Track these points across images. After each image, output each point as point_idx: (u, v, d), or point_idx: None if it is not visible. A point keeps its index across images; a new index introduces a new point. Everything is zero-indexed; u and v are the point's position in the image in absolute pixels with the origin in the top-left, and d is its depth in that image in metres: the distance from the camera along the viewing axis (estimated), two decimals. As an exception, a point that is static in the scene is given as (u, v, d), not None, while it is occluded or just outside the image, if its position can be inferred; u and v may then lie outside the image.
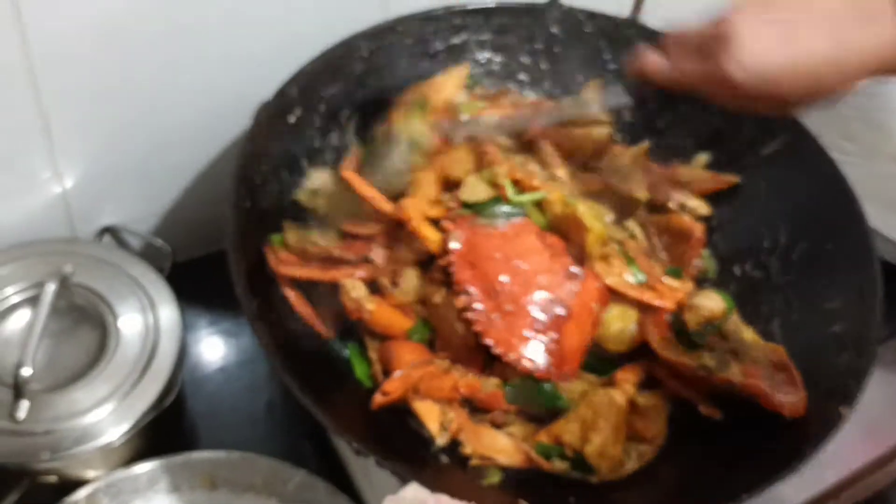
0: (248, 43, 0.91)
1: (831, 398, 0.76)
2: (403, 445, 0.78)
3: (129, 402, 0.80)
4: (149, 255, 0.94)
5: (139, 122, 0.92)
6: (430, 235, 0.81)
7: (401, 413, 0.80)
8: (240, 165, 0.83)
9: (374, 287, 0.84)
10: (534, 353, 0.78)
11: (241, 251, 0.79)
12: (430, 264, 0.83)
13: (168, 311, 0.86)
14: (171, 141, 0.95)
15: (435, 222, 0.83)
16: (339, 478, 0.83)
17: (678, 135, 0.99)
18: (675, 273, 0.88)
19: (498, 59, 1.02)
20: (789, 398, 0.76)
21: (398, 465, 0.70)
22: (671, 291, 0.84)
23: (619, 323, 0.83)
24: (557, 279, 0.80)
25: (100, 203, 0.96)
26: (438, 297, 0.81)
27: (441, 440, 0.77)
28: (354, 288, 0.81)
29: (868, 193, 0.89)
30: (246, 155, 0.84)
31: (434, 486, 0.68)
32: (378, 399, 0.77)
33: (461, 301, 0.78)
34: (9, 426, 0.77)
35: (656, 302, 0.83)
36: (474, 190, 0.84)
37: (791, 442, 0.75)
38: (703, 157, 0.99)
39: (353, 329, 0.85)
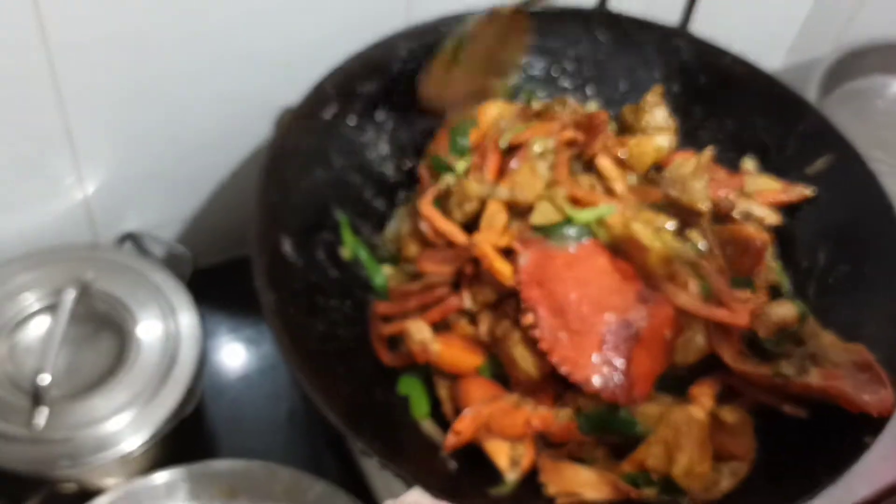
0: (272, 48, 0.91)
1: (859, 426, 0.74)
2: (413, 449, 0.76)
3: (148, 410, 0.79)
4: (170, 261, 0.94)
5: (162, 127, 0.91)
6: (505, 270, 0.79)
7: (413, 420, 0.79)
8: (270, 159, 0.82)
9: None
10: (602, 373, 0.75)
11: (263, 243, 0.78)
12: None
13: (189, 318, 0.85)
14: (194, 147, 0.95)
15: (508, 252, 0.81)
16: (361, 489, 0.82)
17: (723, 149, 0.96)
18: (746, 283, 0.84)
19: (540, 63, 1.00)
20: (876, 397, 0.72)
21: (402, 467, 0.69)
22: (743, 305, 0.80)
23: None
24: (628, 302, 0.78)
25: (122, 209, 0.96)
26: (504, 327, 0.79)
27: (512, 475, 0.75)
28: (420, 331, 0.79)
29: None
30: (277, 149, 0.83)
31: (440, 491, 0.66)
32: (451, 441, 0.75)
33: (528, 319, 0.76)
34: (28, 434, 0.77)
35: (729, 319, 0.78)
36: (545, 213, 0.82)
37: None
38: (750, 162, 0.96)
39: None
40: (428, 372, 0.81)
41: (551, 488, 0.74)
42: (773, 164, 0.95)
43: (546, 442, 0.78)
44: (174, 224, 1.01)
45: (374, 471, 0.83)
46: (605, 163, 0.88)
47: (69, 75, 0.81)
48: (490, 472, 0.75)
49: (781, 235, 0.91)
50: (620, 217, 0.83)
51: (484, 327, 0.80)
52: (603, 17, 0.99)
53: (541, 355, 0.76)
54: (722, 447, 0.77)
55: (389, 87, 0.92)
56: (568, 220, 0.82)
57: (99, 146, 0.89)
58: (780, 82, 0.96)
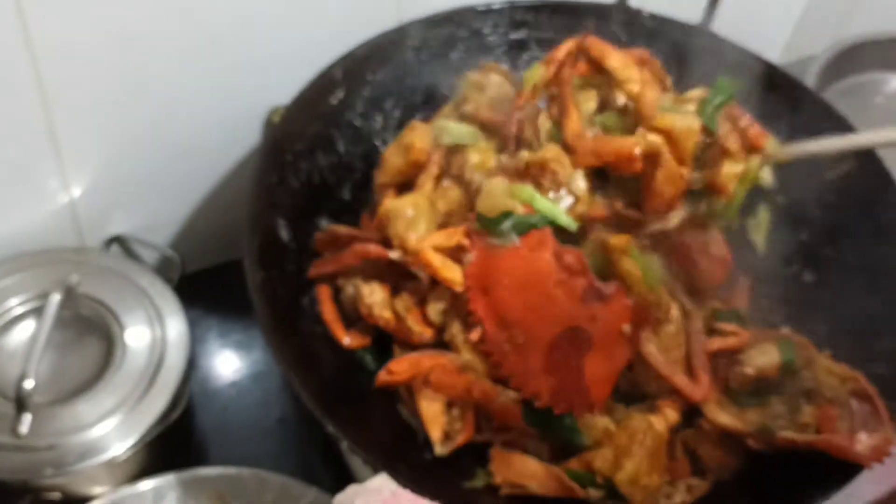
0: (263, 50, 0.89)
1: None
2: (388, 437, 0.74)
3: (135, 415, 0.78)
4: (158, 265, 0.93)
5: (150, 129, 0.90)
6: (454, 276, 0.75)
7: (393, 405, 0.77)
8: (271, 140, 0.81)
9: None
10: (551, 385, 0.72)
11: (257, 224, 0.76)
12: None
13: (176, 323, 0.84)
14: (184, 149, 0.94)
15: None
16: (353, 496, 0.80)
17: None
18: (734, 317, 0.81)
19: None
20: (871, 441, 0.69)
21: (371, 453, 0.67)
22: (706, 380, 0.75)
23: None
24: (575, 303, 0.73)
25: (109, 212, 0.95)
26: (452, 332, 0.76)
27: (442, 449, 0.73)
28: (372, 293, 0.78)
29: None
30: (279, 130, 0.82)
31: (410, 481, 0.65)
32: (382, 377, 0.73)
33: (475, 334, 0.73)
34: (11, 441, 0.75)
35: (687, 391, 0.74)
36: (490, 200, 0.78)
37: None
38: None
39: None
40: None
41: (498, 477, 0.72)
42: (791, 169, 0.88)
43: (490, 424, 0.76)
44: (163, 227, 1.00)
45: (367, 477, 0.81)
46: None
47: (53, 75, 0.80)
48: (466, 465, 0.74)
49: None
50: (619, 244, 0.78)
51: (434, 315, 0.78)
52: (622, 13, 0.97)
53: (492, 366, 0.74)
54: (695, 457, 0.75)
55: (400, 74, 0.91)
56: (508, 213, 0.76)
57: (85, 148, 0.88)
58: (799, 82, 0.94)
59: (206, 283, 0.95)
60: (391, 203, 0.80)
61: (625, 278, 0.76)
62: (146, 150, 0.92)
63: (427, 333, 0.77)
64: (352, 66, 0.87)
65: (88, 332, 0.83)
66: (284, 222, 0.81)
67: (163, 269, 0.90)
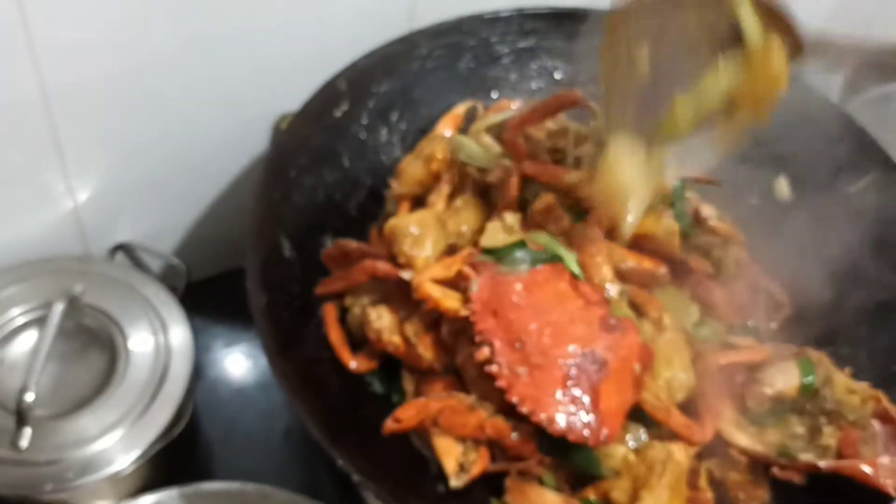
0: (271, 56, 0.88)
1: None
2: (400, 469, 0.72)
3: (138, 428, 0.77)
4: (163, 273, 0.92)
5: (157, 136, 0.89)
6: (454, 304, 0.73)
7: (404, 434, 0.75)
8: (274, 155, 0.79)
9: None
10: (567, 412, 0.69)
11: (259, 242, 0.75)
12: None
13: (181, 333, 0.83)
14: (190, 156, 0.92)
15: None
16: (360, 513, 0.79)
17: (756, 166, 0.88)
18: (750, 331, 0.80)
19: (568, 67, 0.96)
20: (894, 465, 0.68)
21: (384, 487, 0.66)
22: (711, 422, 0.74)
23: (667, 371, 0.75)
24: (593, 331, 0.71)
25: (114, 219, 0.93)
26: (463, 356, 0.74)
27: (457, 482, 0.71)
28: (380, 317, 0.76)
29: None
30: (282, 144, 0.80)
31: None
32: (389, 425, 0.71)
33: (482, 354, 0.70)
34: (11, 455, 0.74)
35: (685, 435, 0.72)
36: (495, 235, 0.77)
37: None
38: (783, 182, 0.90)
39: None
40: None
41: None
42: (810, 182, 0.88)
43: (504, 454, 0.73)
44: (168, 235, 0.99)
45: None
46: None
47: (57, 81, 0.78)
48: (480, 497, 0.72)
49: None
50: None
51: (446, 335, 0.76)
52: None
53: (500, 391, 0.70)
54: (723, 486, 0.73)
55: (406, 86, 0.89)
56: (521, 243, 0.75)
57: (89, 154, 0.86)
58: (818, 92, 0.91)
59: (212, 292, 0.93)
60: (396, 220, 0.78)
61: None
62: (152, 157, 0.90)
63: (437, 360, 0.75)
64: (356, 78, 0.86)
65: (91, 343, 0.82)
66: (288, 241, 0.79)
67: (168, 278, 0.89)
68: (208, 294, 0.91)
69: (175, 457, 0.80)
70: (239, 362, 0.97)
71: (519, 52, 0.94)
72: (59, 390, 0.79)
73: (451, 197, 0.83)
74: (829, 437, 0.71)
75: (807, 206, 0.87)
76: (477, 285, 0.72)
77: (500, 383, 0.69)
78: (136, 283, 0.86)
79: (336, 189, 0.85)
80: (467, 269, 0.73)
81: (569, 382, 0.69)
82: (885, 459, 0.68)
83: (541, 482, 0.72)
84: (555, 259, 0.75)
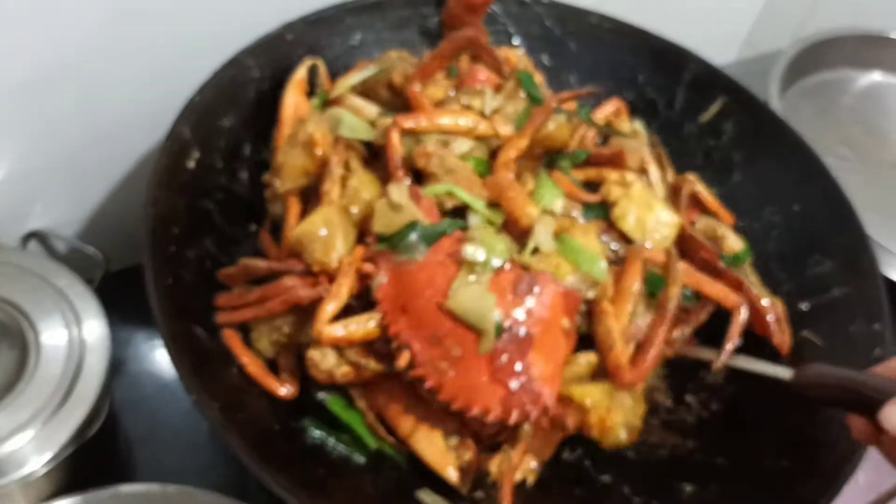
0: (194, 26, 0.86)
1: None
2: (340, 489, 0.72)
3: (50, 428, 0.74)
4: (79, 263, 0.89)
5: (71, 113, 0.86)
6: (365, 331, 0.70)
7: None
8: (150, 232, 0.74)
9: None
10: (500, 397, 0.68)
11: (177, 335, 0.71)
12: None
13: (96, 327, 0.80)
14: (107, 135, 0.90)
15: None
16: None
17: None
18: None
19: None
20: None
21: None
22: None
23: (649, 214, 0.79)
24: (506, 301, 0.69)
25: (25, 205, 0.91)
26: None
27: (465, 487, 0.71)
28: (325, 359, 0.72)
29: (867, 202, 0.86)
30: (154, 217, 0.75)
31: None
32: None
33: (403, 359, 0.68)
34: (-89, 458, 0.71)
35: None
36: (384, 217, 0.73)
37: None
38: (637, 124, 0.96)
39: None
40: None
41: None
42: (664, 120, 0.96)
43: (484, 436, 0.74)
44: (84, 222, 0.97)
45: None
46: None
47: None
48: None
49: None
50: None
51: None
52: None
53: (431, 390, 0.69)
54: None
55: (248, 116, 0.86)
56: (412, 224, 0.72)
57: (-3, 134, 0.84)
58: (655, 35, 0.97)
59: (131, 283, 0.89)
60: (302, 227, 0.75)
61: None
62: (67, 137, 0.88)
63: (381, 368, 0.73)
64: (198, 119, 0.81)
65: (0, 337, 0.79)
66: (202, 329, 0.76)
67: (84, 268, 0.86)
68: (127, 285, 0.87)
69: (92, 458, 0.78)
70: (162, 356, 0.95)
71: (348, 50, 0.93)
72: (-37, 389, 0.75)
73: (344, 180, 0.79)
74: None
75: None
76: (380, 281, 0.70)
77: (429, 385, 0.68)
78: (48, 273, 0.83)
79: (221, 253, 0.82)
80: (367, 266, 0.71)
81: (495, 364, 0.68)
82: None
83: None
84: (452, 228, 0.73)
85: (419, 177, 0.79)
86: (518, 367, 0.68)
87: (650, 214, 0.80)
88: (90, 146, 0.89)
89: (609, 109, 0.94)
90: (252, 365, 0.75)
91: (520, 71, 0.85)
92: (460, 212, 0.77)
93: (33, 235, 0.92)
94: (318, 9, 0.90)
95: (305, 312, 0.74)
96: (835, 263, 0.84)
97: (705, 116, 0.95)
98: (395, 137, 0.77)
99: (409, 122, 0.78)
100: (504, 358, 0.68)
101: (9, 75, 0.79)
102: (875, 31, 1.19)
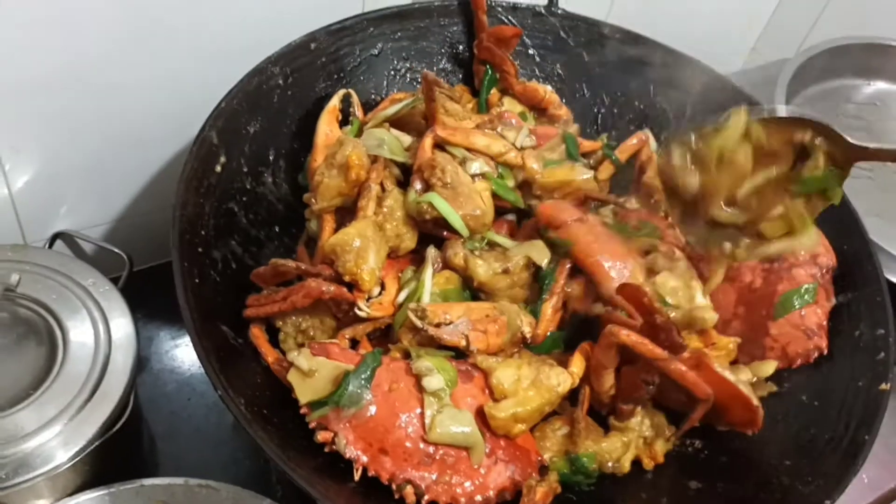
0: (221, 32, 0.87)
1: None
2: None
3: (77, 424, 0.75)
4: (104, 262, 0.89)
5: (96, 117, 0.87)
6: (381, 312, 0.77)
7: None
8: (179, 235, 0.75)
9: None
10: (499, 476, 0.72)
11: (204, 335, 0.72)
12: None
13: (122, 325, 0.81)
14: (132, 139, 0.90)
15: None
16: (308, 507, 0.78)
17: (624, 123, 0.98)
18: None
19: (419, 66, 0.98)
20: None
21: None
22: None
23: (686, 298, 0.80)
24: (468, 405, 0.73)
25: (52, 207, 0.91)
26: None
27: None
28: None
29: (871, 208, 0.86)
30: (183, 220, 0.76)
31: None
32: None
33: (409, 496, 0.70)
34: (-57, 454, 0.72)
35: None
36: (306, 385, 0.72)
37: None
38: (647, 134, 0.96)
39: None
40: None
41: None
42: (675, 129, 0.96)
43: None
44: (109, 223, 0.97)
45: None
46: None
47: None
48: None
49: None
50: None
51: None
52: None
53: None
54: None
55: (273, 120, 0.88)
56: (345, 378, 0.70)
57: (24, 137, 0.84)
58: (665, 45, 0.97)
59: (157, 281, 0.90)
60: (337, 237, 0.77)
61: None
62: (92, 141, 0.88)
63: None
64: (224, 125, 0.82)
65: (28, 335, 0.80)
66: (227, 327, 0.77)
67: (109, 268, 0.87)
68: (152, 284, 0.89)
69: (117, 453, 0.79)
70: (185, 354, 0.96)
71: (367, 61, 0.95)
72: (-7, 385, 0.76)
73: (380, 199, 0.82)
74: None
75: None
76: (343, 444, 0.70)
77: (444, 501, 0.70)
78: (75, 272, 0.84)
79: (246, 254, 0.83)
80: (323, 435, 0.70)
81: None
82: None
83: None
84: (376, 359, 0.73)
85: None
86: (500, 446, 0.73)
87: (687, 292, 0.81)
88: (115, 150, 0.90)
89: (632, 143, 0.94)
90: (277, 363, 0.77)
91: (567, 133, 0.89)
92: (439, 223, 0.80)
93: (60, 236, 0.92)
94: (341, 19, 0.91)
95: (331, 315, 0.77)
96: (839, 269, 0.84)
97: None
98: (428, 143, 0.82)
99: (445, 133, 0.82)
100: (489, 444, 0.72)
101: (36, 81, 0.80)
102: (880, 40, 1.19)
